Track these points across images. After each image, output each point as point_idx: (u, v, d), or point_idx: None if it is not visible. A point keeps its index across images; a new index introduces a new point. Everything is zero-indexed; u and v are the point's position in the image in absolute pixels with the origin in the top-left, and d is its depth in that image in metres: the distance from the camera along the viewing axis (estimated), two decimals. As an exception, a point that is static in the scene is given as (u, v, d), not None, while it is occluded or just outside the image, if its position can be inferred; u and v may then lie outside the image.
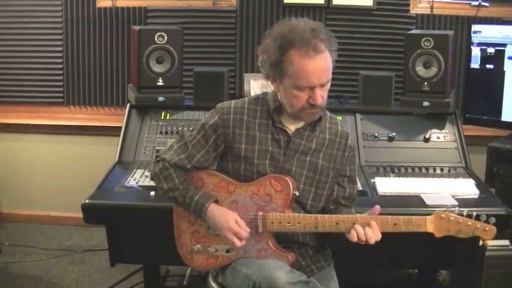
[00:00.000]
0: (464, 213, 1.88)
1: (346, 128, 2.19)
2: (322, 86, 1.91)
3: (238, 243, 1.97)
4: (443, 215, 1.88)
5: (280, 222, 1.98)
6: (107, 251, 2.67)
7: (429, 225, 1.90)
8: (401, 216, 1.92)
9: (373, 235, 1.91)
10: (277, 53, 1.91)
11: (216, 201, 2.04)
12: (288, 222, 1.98)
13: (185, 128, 2.95)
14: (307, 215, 1.99)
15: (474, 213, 1.87)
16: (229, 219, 1.98)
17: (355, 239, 1.93)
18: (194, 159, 2.04)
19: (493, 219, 1.87)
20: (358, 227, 1.92)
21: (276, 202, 1.99)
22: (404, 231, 1.92)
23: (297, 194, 2.01)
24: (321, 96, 1.92)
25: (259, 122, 2.04)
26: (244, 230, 1.98)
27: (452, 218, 1.87)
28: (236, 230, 1.96)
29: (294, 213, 2.00)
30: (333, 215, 1.98)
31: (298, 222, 1.97)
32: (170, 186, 2.04)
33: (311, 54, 1.86)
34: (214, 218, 2.00)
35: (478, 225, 1.85)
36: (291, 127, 2.05)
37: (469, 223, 1.85)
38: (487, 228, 1.85)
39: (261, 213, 2.00)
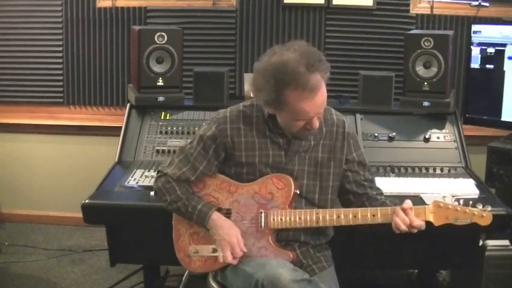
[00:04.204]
0: (461, 202, 1.93)
1: (347, 124, 2.18)
2: (319, 113, 1.95)
3: (230, 258, 1.98)
4: (441, 204, 1.92)
5: (281, 219, 2.00)
6: (107, 251, 2.67)
7: (428, 214, 1.93)
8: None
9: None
10: (272, 93, 1.89)
11: (219, 210, 2.05)
12: (290, 218, 1.99)
13: (185, 128, 2.96)
14: (308, 210, 2.01)
15: (470, 202, 1.92)
16: (232, 233, 2.00)
17: (402, 227, 1.91)
18: (197, 171, 2.06)
19: (488, 207, 1.91)
20: (400, 212, 1.92)
21: (278, 200, 2.01)
22: None
23: (298, 192, 2.03)
24: (318, 119, 1.96)
25: (256, 128, 2.06)
26: (241, 250, 1.99)
27: (450, 207, 1.91)
28: (234, 247, 1.98)
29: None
30: (334, 209, 2.00)
31: (300, 218, 1.99)
32: (173, 198, 2.06)
33: (308, 96, 1.86)
34: (217, 227, 2.01)
35: (475, 212, 1.90)
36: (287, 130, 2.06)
37: (467, 210, 1.90)
38: (484, 215, 1.90)
39: (263, 210, 2.01)
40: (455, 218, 1.91)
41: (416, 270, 3.16)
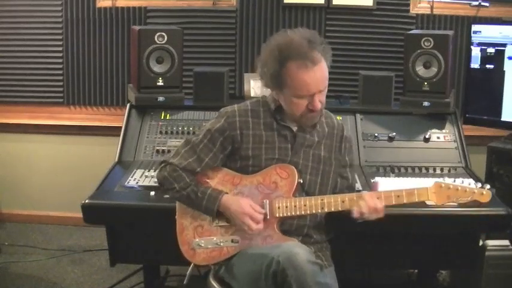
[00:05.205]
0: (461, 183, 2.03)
1: (346, 128, 2.26)
2: (320, 91, 2.00)
3: (254, 225, 2.01)
4: (442, 185, 2.00)
5: (286, 207, 2.04)
6: (107, 251, 2.67)
7: (430, 194, 2.01)
8: (403, 189, 2.02)
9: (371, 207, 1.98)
10: (275, 66, 1.99)
11: (227, 194, 2.09)
12: (295, 206, 2.03)
13: (185, 128, 2.96)
14: (313, 197, 2.05)
15: (469, 183, 2.02)
16: (243, 204, 2.03)
17: (358, 215, 1.99)
18: (203, 162, 2.09)
19: (487, 185, 1.99)
20: (362, 202, 1.99)
21: (282, 189, 2.05)
22: (408, 203, 2.01)
23: (301, 181, 2.08)
24: (320, 101, 2.01)
25: (263, 122, 2.11)
26: (259, 212, 2.02)
27: (451, 186, 2.00)
28: (251, 213, 2.01)
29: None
30: (338, 195, 2.06)
31: (305, 205, 2.03)
32: (182, 185, 2.08)
33: (308, 66, 1.95)
34: (229, 207, 2.04)
35: (475, 191, 1.98)
36: (293, 124, 2.12)
37: (467, 189, 1.99)
38: (484, 192, 1.98)
39: (267, 200, 2.04)
40: (456, 197, 1.98)
41: (416, 270, 3.16)
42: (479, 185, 1.99)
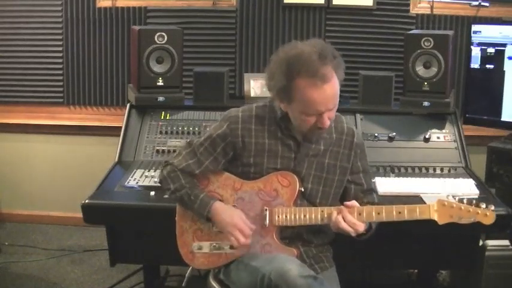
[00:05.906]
0: (465, 201, 1.94)
1: (357, 133, 2.20)
2: (329, 110, 1.93)
3: (242, 239, 1.98)
4: (445, 203, 1.93)
5: (286, 216, 2.01)
6: (107, 251, 2.67)
7: (432, 212, 1.94)
8: (405, 205, 1.96)
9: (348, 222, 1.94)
10: (283, 80, 1.91)
11: (221, 201, 2.06)
12: (295, 216, 2.00)
13: (185, 128, 2.96)
14: (313, 207, 2.02)
15: (474, 201, 1.93)
16: (234, 216, 2.00)
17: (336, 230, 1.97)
18: (202, 165, 2.08)
19: (492, 206, 1.92)
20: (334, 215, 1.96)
21: (283, 197, 2.03)
22: (408, 220, 1.96)
23: (302, 190, 2.05)
24: (329, 118, 1.94)
25: (267, 129, 2.07)
26: (249, 227, 2.00)
27: (454, 205, 1.93)
28: (241, 226, 1.98)
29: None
30: (336, 207, 2.00)
31: (305, 215, 2.00)
32: (177, 187, 2.07)
33: (318, 84, 1.87)
34: (219, 214, 2.02)
35: (479, 211, 1.91)
36: (299, 133, 2.06)
37: (470, 209, 1.92)
38: (488, 214, 1.91)
39: (267, 207, 2.02)
40: (459, 216, 1.92)
41: (416, 270, 3.16)
42: (484, 205, 1.92)
